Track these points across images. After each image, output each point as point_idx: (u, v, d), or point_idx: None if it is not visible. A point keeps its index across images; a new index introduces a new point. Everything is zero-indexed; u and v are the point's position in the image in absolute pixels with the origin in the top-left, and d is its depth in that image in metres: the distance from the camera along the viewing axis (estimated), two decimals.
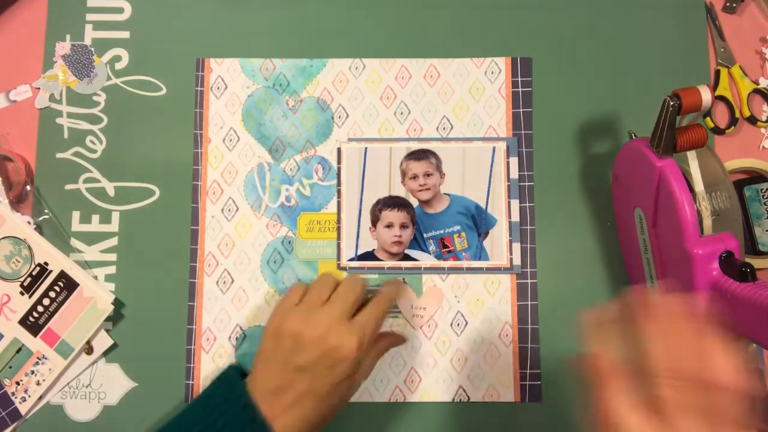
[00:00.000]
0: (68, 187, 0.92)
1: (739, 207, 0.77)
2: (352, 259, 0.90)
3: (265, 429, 0.71)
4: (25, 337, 0.87)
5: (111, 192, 0.92)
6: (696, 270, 0.69)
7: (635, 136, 0.87)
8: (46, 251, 0.88)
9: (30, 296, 0.87)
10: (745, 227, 0.88)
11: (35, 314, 0.87)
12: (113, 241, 0.91)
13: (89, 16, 0.96)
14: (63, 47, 0.95)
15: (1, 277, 0.88)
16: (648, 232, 0.78)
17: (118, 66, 0.95)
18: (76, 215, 0.92)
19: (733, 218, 0.75)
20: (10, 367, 0.87)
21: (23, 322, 0.88)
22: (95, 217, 0.92)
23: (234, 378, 0.76)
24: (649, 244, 0.79)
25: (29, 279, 0.88)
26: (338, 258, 0.90)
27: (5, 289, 0.88)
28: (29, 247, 0.88)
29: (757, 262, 0.87)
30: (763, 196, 0.88)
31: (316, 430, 0.75)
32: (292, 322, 0.75)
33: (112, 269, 0.91)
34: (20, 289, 0.88)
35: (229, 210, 0.91)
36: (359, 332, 0.75)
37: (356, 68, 0.93)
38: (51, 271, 0.88)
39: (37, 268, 0.88)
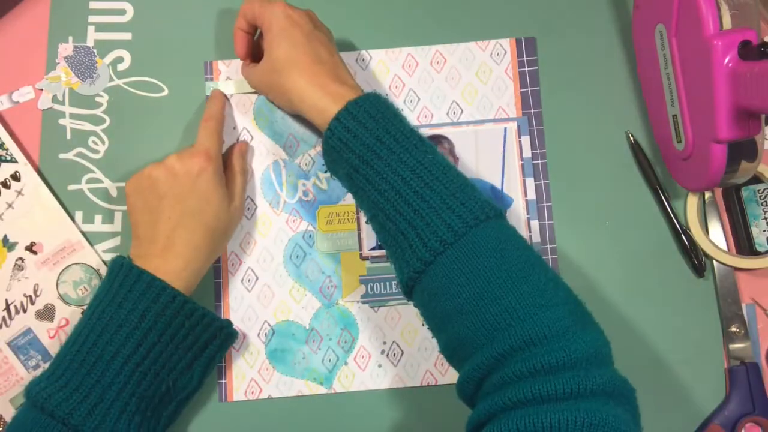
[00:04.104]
0: (71, 187, 1.02)
1: (758, 2, 0.86)
2: (373, 248, 1.00)
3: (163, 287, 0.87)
4: None
5: (114, 192, 1.02)
6: (715, 61, 0.80)
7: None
8: None
9: None
10: (742, 228, 0.99)
11: None
12: (116, 241, 1.01)
13: (91, 18, 1.05)
14: (65, 49, 1.04)
15: (64, 301, 0.98)
16: (669, 43, 0.89)
17: (121, 67, 1.04)
18: (78, 215, 1.01)
19: (752, 14, 0.82)
20: None
21: None
22: (98, 218, 1.01)
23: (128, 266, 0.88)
24: (669, 56, 0.90)
25: None
26: (360, 248, 1.01)
27: (66, 312, 0.98)
28: (100, 278, 0.98)
29: (754, 263, 0.98)
30: (759, 197, 0.98)
31: (204, 261, 0.93)
32: (141, 174, 0.92)
33: None
34: (81, 316, 0.94)
35: (248, 209, 1.01)
36: (199, 147, 0.94)
37: (363, 60, 1.05)
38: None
39: None
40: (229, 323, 0.94)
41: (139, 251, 0.90)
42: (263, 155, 1.03)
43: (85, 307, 0.95)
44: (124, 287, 0.86)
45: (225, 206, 0.94)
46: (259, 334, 0.99)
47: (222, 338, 0.93)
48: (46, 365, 0.94)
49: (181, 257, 0.89)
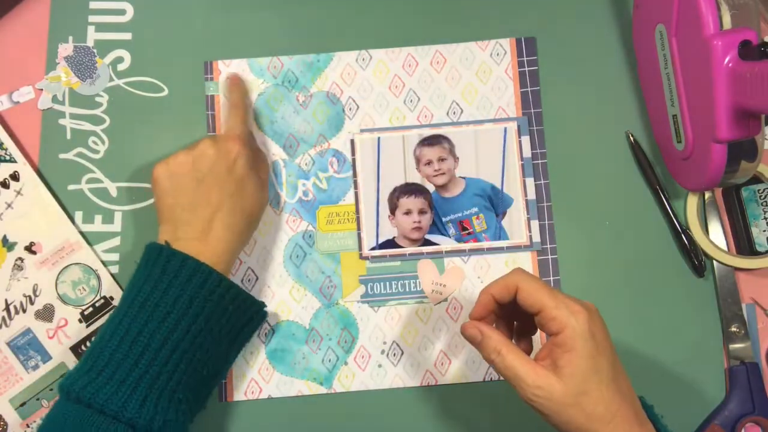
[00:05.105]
0: (71, 187, 1.03)
1: (758, 2, 0.86)
2: (373, 248, 1.02)
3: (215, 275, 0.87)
4: (72, 363, 0.98)
5: (114, 192, 1.03)
6: (714, 61, 0.81)
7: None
8: (114, 287, 1.00)
9: (88, 326, 0.99)
10: (742, 228, 1.00)
11: (89, 344, 0.98)
12: (116, 241, 1.02)
13: (91, 18, 1.07)
14: (65, 49, 1.06)
15: (63, 300, 0.99)
16: (669, 43, 0.90)
17: (121, 67, 1.06)
18: (78, 215, 1.02)
19: (752, 14, 0.83)
20: (51, 390, 0.97)
21: (75, 349, 0.98)
22: (98, 218, 1.02)
23: (165, 253, 0.87)
24: (669, 57, 0.91)
25: (91, 309, 0.99)
26: (359, 248, 1.02)
27: (65, 313, 0.99)
28: (99, 278, 1.00)
29: (754, 263, 0.99)
30: (759, 197, 1.00)
31: (240, 239, 0.94)
32: (174, 159, 0.92)
33: (115, 269, 1.01)
34: (79, 316, 0.99)
35: None
36: (232, 132, 0.95)
37: (363, 60, 1.06)
38: (115, 306, 0.94)
39: (102, 301, 0.99)
40: (263, 304, 0.95)
41: (175, 235, 0.89)
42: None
43: (83, 307, 0.98)
44: (167, 273, 0.85)
45: (259, 189, 0.95)
46: (259, 334, 1.00)
47: (258, 320, 0.94)
48: (46, 365, 0.97)
49: (222, 241, 0.89)
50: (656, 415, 0.80)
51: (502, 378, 0.77)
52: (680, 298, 1.00)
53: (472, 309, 0.81)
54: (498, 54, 1.05)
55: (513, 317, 0.84)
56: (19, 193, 1.00)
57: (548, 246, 1.02)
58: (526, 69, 1.05)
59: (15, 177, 1.00)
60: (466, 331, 0.79)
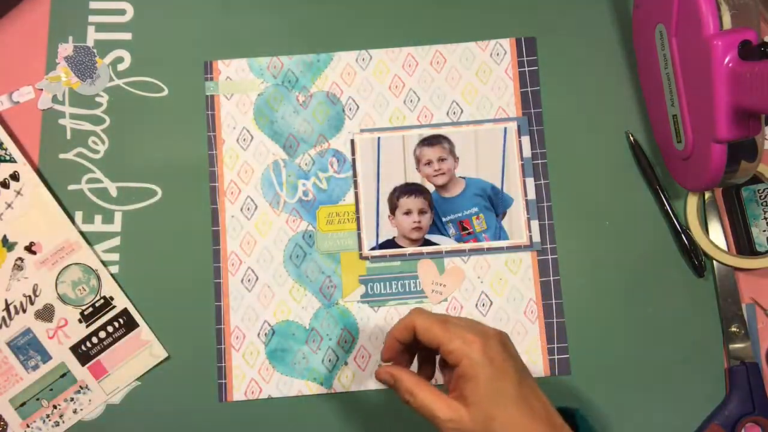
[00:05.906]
0: (71, 187, 1.03)
1: (758, 2, 0.87)
2: (373, 248, 1.02)
3: None
4: (72, 363, 0.99)
5: (113, 192, 1.03)
6: (715, 61, 0.81)
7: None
8: (114, 287, 1.00)
9: (87, 326, 0.99)
10: (742, 228, 1.00)
11: (88, 344, 0.99)
12: (116, 241, 1.02)
13: (91, 18, 1.07)
14: (65, 49, 1.06)
15: (63, 301, 1.00)
16: (669, 43, 0.91)
17: (121, 67, 1.06)
18: (78, 215, 1.03)
19: (752, 14, 0.83)
20: (51, 390, 0.98)
21: (74, 349, 0.99)
22: (98, 217, 1.03)
23: None
24: (669, 57, 0.91)
25: (91, 309, 0.99)
26: (359, 248, 1.02)
27: (65, 312, 0.99)
28: (99, 278, 1.00)
29: (754, 263, 0.99)
30: (759, 197, 1.00)
31: None
32: None
33: (115, 269, 1.01)
34: (79, 316, 0.99)
35: (248, 209, 1.03)
36: None
37: (363, 60, 1.06)
38: (115, 307, 1.00)
39: (102, 301, 0.99)
40: None
41: None
42: (263, 155, 1.04)
43: (83, 307, 0.99)
44: None
45: None
46: (259, 334, 1.01)
47: None
48: (46, 365, 0.98)
49: None
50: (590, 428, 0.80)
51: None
52: (680, 298, 1.00)
53: (381, 352, 0.83)
54: (498, 54, 1.05)
55: (422, 349, 0.84)
56: (19, 193, 1.00)
57: (548, 246, 1.02)
58: (526, 69, 1.05)
59: (15, 177, 1.00)
60: (379, 377, 0.80)
